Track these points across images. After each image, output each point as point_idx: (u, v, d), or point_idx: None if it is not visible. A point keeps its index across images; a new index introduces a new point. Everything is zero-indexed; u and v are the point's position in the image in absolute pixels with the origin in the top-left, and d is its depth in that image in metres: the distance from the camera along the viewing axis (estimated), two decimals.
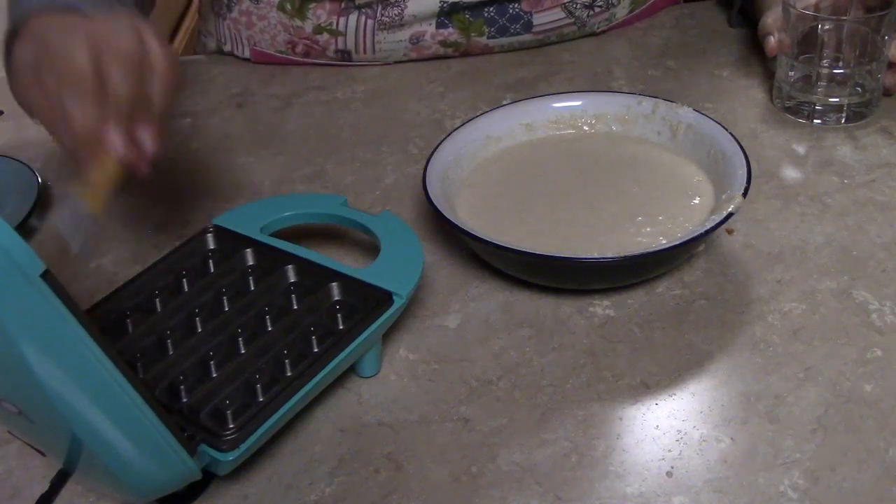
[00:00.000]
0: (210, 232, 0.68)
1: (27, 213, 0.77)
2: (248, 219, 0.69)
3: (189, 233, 0.70)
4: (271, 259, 0.65)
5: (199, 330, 0.61)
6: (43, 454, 0.55)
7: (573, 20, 0.96)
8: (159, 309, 0.63)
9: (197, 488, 0.55)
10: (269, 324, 0.61)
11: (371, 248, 0.72)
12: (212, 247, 0.68)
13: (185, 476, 0.51)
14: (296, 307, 0.62)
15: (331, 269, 0.63)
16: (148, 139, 0.62)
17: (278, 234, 0.69)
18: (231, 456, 0.53)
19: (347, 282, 0.62)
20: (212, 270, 0.66)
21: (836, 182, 0.76)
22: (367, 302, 0.61)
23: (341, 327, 0.60)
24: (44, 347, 0.43)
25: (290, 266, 0.64)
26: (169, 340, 0.60)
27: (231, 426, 0.53)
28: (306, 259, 0.65)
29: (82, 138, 0.60)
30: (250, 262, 0.66)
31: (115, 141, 0.60)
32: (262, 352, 0.58)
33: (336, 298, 0.62)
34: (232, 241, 0.67)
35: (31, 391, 0.44)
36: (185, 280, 0.65)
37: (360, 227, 0.69)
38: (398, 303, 0.61)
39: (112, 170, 0.60)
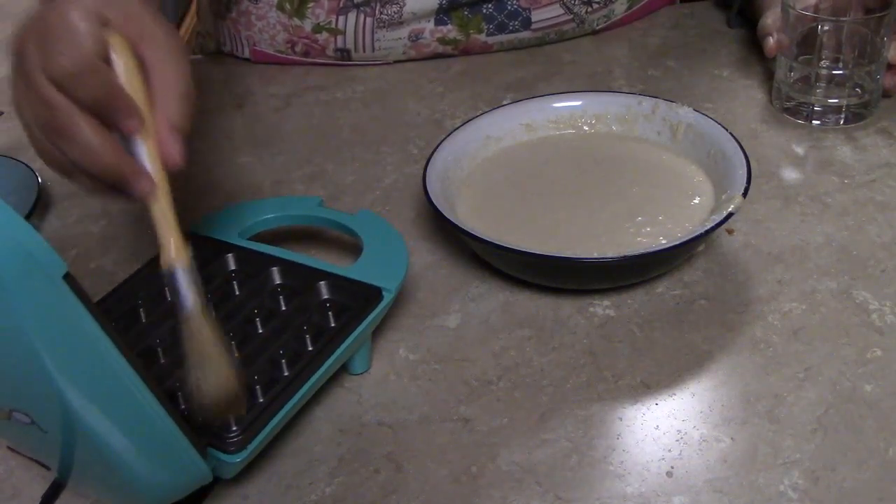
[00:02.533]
0: (188, 239, 0.68)
1: (27, 214, 0.77)
2: (225, 224, 0.69)
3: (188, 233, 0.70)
4: (255, 262, 0.65)
5: None
6: (47, 468, 0.55)
7: (572, 17, 0.96)
8: (144, 319, 0.62)
9: (201, 493, 0.55)
10: (259, 326, 0.61)
11: (349, 248, 0.72)
12: (191, 254, 0.67)
13: (198, 479, 0.51)
14: (284, 308, 0.62)
15: (316, 268, 0.63)
16: (168, 145, 0.55)
17: (256, 238, 0.69)
18: (239, 458, 0.53)
19: (335, 280, 0.62)
20: None
21: (836, 182, 0.76)
22: (357, 298, 0.61)
23: (333, 325, 0.60)
24: (63, 351, 0.43)
25: (274, 268, 0.64)
26: (159, 349, 0.59)
27: (235, 428, 0.53)
28: (290, 260, 0.65)
29: (105, 172, 0.54)
30: (233, 266, 0.66)
31: (165, 150, 0.54)
32: (257, 353, 0.58)
33: (325, 297, 0.62)
34: (211, 247, 0.67)
35: (47, 397, 0.44)
36: (167, 289, 0.64)
37: (339, 227, 0.69)
38: (388, 297, 0.61)
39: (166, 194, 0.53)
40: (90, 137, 0.53)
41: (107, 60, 0.54)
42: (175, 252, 0.53)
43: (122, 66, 0.54)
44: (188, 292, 0.52)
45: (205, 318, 0.52)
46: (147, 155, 0.54)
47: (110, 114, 0.54)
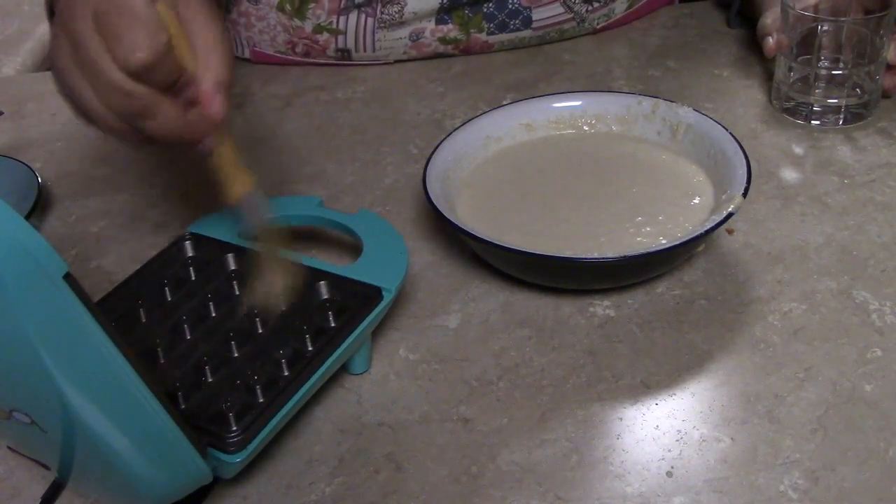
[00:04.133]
0: (188, 239, 0.68)
1: (27, 214, 0.77)
2: (224, 224, 0.69)
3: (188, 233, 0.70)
4: (255, 262, 0.65)
5: (189, 337, 0.60)
6: (47, 468, 0.55)
7: (572, 15, 0.96)
8: (144, 319, 0.62)
9: (201, 493, 0.55)
10: (259, 326, 0.61)
11: (348, 248, 0.72)
12: (191, 254, 0.67)
13: (198, 479, 0.51)
14: (284, 308, 0.62)
15: (316, 268, 0.63)
16: (213, 100, 0.58)
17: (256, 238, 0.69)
18: (239, 458, 0.53)
19: (334, 280, 0.62)
20: (193, 278, 0.65)
21: (836, 182, 0.76)
22: (357, 298, 0.61)
23: (333, 325, 0.60)
24: (63, 351, 0.43)
25: None
26: (158, 349, 0.59)
27: (235, 428, 0.53)
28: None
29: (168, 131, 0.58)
30: (233, 266, 0.66)
31: (211, 105, 0.58)
32: (257, 353, 0.58)
33: (325, 297, 0.62)
34: (211, 248, 0.67)
35: (47, 397, 0.44)
36: (167, 289, 0.64)
37: (338, 227, 0.69)
38: (388, 297, 0.61)
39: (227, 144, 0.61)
40: (173, 116, 0.57)
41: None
42: (244, 185, 0.62)
43: (173, 35, 0.57)
44: (261, 212, 0.62)
45: (273, 231, 0.63)
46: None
47: (176, 87, 0.57)
